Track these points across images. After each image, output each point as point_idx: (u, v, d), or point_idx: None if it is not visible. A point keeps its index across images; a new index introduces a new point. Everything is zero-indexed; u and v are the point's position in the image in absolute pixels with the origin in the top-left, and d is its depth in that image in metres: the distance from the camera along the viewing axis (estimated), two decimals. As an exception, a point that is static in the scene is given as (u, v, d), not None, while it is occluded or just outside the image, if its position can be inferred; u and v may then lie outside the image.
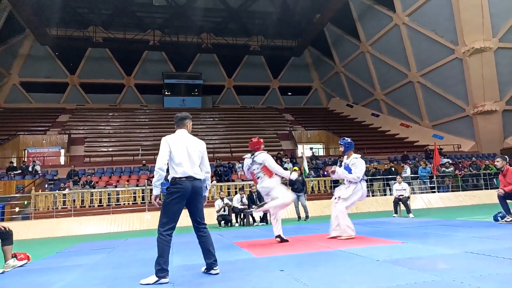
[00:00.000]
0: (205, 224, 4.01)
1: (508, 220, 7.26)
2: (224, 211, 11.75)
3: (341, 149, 6.54)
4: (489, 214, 8.18)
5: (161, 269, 3.68)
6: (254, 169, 6.21)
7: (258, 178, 6.20)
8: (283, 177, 6.31)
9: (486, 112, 22.77)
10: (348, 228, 6.08)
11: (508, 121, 23.47)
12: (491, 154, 22.52)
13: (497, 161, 7.53)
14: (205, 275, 3.93)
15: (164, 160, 3.89)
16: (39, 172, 18.44)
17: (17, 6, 22.55)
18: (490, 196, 14.50)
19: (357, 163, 6.22)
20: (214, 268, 3.93)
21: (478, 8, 20.57)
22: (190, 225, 4.09)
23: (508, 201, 7.38)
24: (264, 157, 6.12)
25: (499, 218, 7.38)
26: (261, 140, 6.39)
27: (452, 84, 23.75)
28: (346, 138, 6.56)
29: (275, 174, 6.14)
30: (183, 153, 3.93)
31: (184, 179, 3.83)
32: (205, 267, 4.00)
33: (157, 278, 3.66)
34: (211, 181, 16.39)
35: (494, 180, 17.85)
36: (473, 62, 21.84)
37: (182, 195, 3.80)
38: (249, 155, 6.34)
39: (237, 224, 11.97)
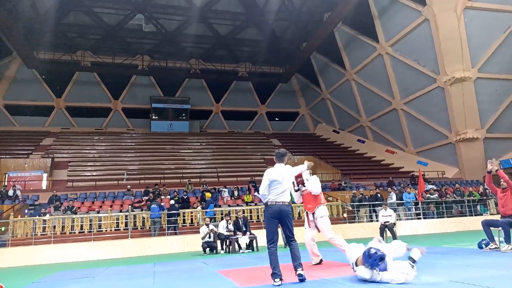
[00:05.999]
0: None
1: (491, 247, 7.30)
2: (209, 237, 11.52)
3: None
4: (474, 241, 8.21)
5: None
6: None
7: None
8: None
9: (468, 139, 23.29)
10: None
11: (489, 148, 24.01)
12: (474, 180, 22.88)
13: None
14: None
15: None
16: (20, 197, 17.91)
17: (5, 29, 22.53)
18: (474, 223, 14.61)
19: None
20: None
21: (457, 40, 21.45)
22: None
23: (491, 228, 7.46)
24: None
25: (483, 246, 7.43)
26: None
27: (435, 112, 24.35)
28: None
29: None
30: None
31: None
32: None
33: None
34: (196, 207, 16.18)
35: (478, 206, 18.06)
36: (454, 91, 22.52)
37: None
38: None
39: (222, 251, 11.73)
